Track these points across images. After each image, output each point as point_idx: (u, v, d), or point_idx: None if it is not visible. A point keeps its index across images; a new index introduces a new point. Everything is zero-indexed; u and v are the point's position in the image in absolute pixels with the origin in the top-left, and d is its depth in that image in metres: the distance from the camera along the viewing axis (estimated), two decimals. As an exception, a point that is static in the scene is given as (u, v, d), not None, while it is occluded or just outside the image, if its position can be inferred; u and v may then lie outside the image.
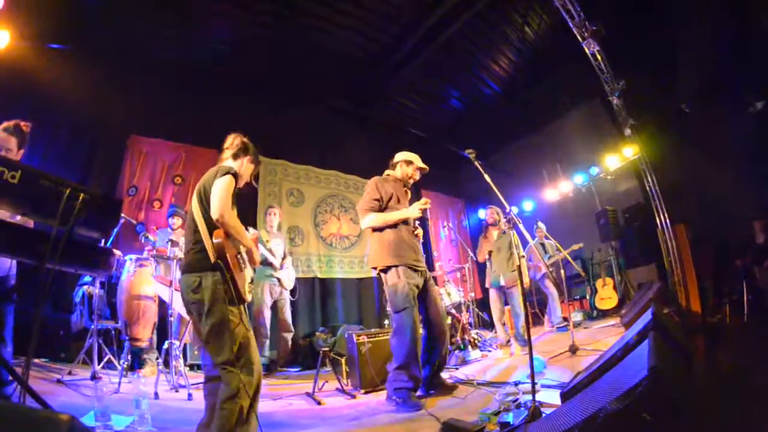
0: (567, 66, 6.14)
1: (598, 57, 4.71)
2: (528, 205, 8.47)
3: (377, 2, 5.22)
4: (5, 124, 2.28)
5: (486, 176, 2.82)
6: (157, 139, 5.40)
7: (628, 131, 5.60)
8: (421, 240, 3.35)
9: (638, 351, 1.98)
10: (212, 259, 1.88)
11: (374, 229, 3.19)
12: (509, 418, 2.40)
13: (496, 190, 2.77)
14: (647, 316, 2.58)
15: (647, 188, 5.66)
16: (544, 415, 2.23)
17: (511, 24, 5.87)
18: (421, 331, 3.11)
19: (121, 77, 4.68)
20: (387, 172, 3.45)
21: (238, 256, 2.01)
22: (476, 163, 2.90)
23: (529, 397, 2.54)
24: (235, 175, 2.04)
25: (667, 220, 5.41)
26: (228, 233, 1.93)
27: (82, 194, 2.34)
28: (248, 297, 2.00)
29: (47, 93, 3.58)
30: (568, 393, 2.36)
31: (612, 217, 6.57)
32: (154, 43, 4.97)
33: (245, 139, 2.29)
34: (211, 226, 1.93)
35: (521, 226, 2.98)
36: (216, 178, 2.00)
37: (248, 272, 2.07)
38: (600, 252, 6.78)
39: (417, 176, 3.44)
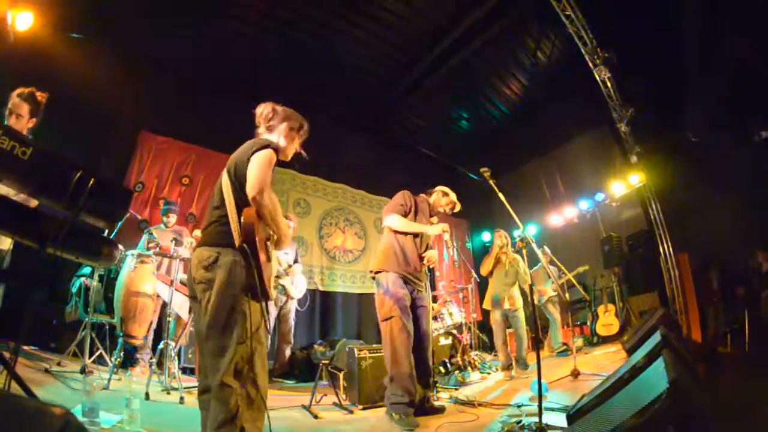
0: (576, 92, 6.24)
1: (608, 84, 4.81)
2: (532, 230, 8.44)
3: (396, 21, 5.35)
4: (20, 90, 2.29)
5: (500, 195, 2.84)
6: (168, 137, 5.43)
7: (634, 158, 5.66)
8: (432, 264, 3.35)
9: (650, 370, 1.95)
10: (237, 240, 1.58)
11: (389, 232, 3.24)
12: (515, 438, 2.33)
13: (509, 209, 2.78)
14: (656, 338, 2.55)
15: (652, 216, 5.67)
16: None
17: (524, 48, 6.01)
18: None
19: (139, 72, 4.73)
20: (422, 195, 3.57)
21: (267, 244, 1.74)
22: (491, 181, 2.92)
23: (533, 419, 2.49)
24: (276, 150, 1.77)
25: (671, 249, 5.41)
26: (261, 215, 1.64)
27: (93, 179, 2.31)
28: (273, 293, 1.73)
29: (63, 80, 3.59)
30: (574, 415, 2.30)
31: (616, 244, 6.56)
32: (174, 41, 5.04)
33: (276, 106, 2.00)
34: (241, 204, 1.66)
35: (534, 246, 2.97)
36: (252, 152, 1.70)
37: (275, 265, 1.88)
38: (602, 278, 6.73)
39: (446, 210, 3.57)
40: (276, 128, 1.96)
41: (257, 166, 1.65)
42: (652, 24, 4.91)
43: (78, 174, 2.30)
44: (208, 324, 1.56)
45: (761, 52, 3.99)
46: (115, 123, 4.96)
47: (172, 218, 4.45)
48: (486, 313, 8.03)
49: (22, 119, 2.29)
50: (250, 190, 1.61)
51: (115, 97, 4.47)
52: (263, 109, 1.99)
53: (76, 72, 4.07)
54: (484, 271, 5.06)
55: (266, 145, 1.73)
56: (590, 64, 4.64)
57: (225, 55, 5.55)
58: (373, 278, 3.23)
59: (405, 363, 2.86)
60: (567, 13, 4.13)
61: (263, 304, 1.65)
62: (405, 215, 3.25)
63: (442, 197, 3.55)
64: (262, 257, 1.62)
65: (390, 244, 3.18)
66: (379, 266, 3.15)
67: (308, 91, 6.35)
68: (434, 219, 3.54)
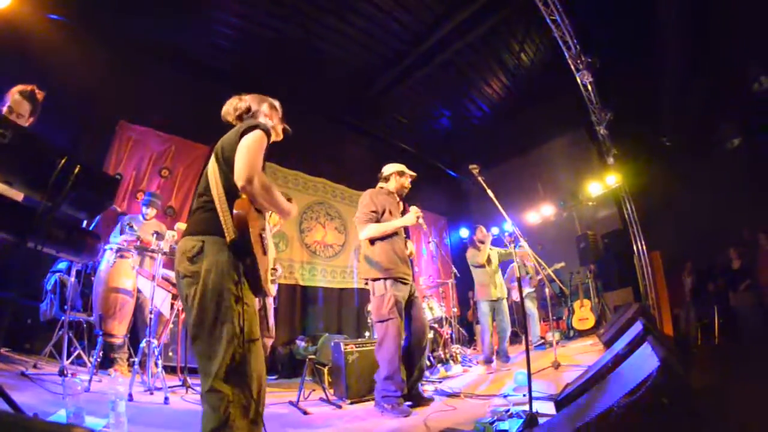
0: (557, 94, 6.44)
1: (589, 88, 4.98)
2: (508, 227, 8.63)
3: (383, 17, 5.35)
4: (21, 87, 2.21)
5: (489, 192, 2.91)
6: (147, 127, 5.21)
7: (611, 160, 5.90)
8: (413, 255, 3.40)
9: (634, 357, 2.05)
10: (229, 235, 1.42)
11: (370, 242, 3.24)
12: (505, 426, 2.39)
13: (499, 207, 2.86)
14: (637, 327, 2.69)
15: (626, 216, 5.94)
16: (541, 422, 2.23)
17: (508, 50, 6.15)
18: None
19: (119, 60, 4.53)
20: (380, 185, 3.49)
21: (263, 234, 1.56)
22: (480, 179, 2.98)
23: (520, 408, 2.57)
24: (267, 131, 1.58)
25: (644, 247, 5.68)
26: (256, 203, 1.50)
27: (78, 166, 2.18)
28: (271, 289, 1.58)
29: (40, 64, 3.39)
30: (562, 401, 2.39)
31: (592, 241, 6.83)
32: (158, 30, 4.85)
33: (242, 96, 1.84)
34: (231, 193, 1.49)
35: (523, 241, 3.07)
36: (241, 135, 1.54)
37: (271, 255, 1.68)
38: (578, 274, 7.00)
39: (409, 185, 3.51)
40: (258, 113, 1.81)
41: (246, 151, 1.49)
42: (634, 32, 5.13)
43: (63, 160, 2.17)
44: (195, 322, 1.40)
45: (735, 65, 4.26)
46: (93, 112, 4.70)
47: (152, 211, 4.27)
48: (463, 308, 8.22)
49: (22, 119, 2.21)
50: (239, 179, 1.45)
51: (93, 84, 4.26)
52: (229, 106, 1.82)
53: (53, 56, 3.87)
54: (483, 259, 5.04)
55: (255, 126, 1.57)
56: (573, 68, 4.78)
57: (208, 44, 5.39)
58: (366, 283, 3.26)
59: (398, 361, 2.98)
60: (553, 17, 4.24)
61: (257, 299, 1.55)
62: (378, 221, 3.23)
63: (400, 177, 3.44)
64: (258, 251, 1.47)
65: (383, 251, 3.17)
66: (377, 274, 3.13)
67: (291, 84, 6.25)
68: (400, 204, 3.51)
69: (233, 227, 1.42)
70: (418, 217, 3.23)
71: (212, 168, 1.57)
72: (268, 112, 1.84)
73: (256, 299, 1.55)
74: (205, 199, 1.54)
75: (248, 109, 1.80)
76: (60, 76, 3.69)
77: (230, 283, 1.41)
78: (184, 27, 5.01)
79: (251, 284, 1.47)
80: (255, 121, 1.66)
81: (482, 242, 5.14)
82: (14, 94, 2.20)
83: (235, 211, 1.42)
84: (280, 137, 1.91)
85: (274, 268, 1.72)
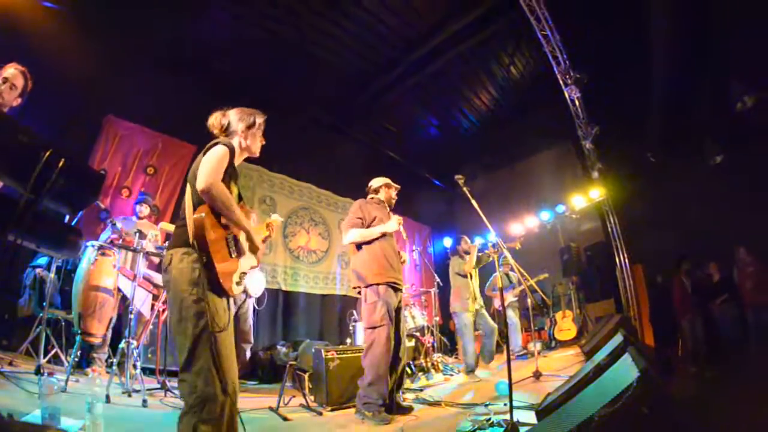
0: (544, 107, 6.60)
1: (577, 103, 5.11)
2: (492, 238, 8.71)
3: (376, 23, 5.38)
4: (17, 64, 2.21)
5: (474, 203, 2.95)
6: (134, 123, 5.14)
7: (595, 174, 6.05)
8: (405, 263, 3.44)
9: (615, 367, 2.09)
10: (190, 237, 1.61)
11: (357, 248, 3.30)
12: (487, 434, 2.41)
13: (484, 218, 2.90)
14: (618, 339, 2.75)
15: (609, 229, 6.08)
16: (521, 431, 2.25)
17: (498, 62, 6.26)
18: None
19: (110, 53, 4.46)
20: (369, 196, 3.61)
21: (229, 240, 1.72)
22: (465, 189, 3.03)
23: (501, 417, 2.59)
24: (230, 147, 1.75)
25: (626, 260, 5.81)
26: (215, 207, 1.65)
27: (62, 160, 2.14)
28: (234, 289, 1.71)
29: (30, 51, 3.27)
30: (543, 411, 2.41)
31: (575, 253, 6.95)
32: (152, 25, 4.76)
33: (226, 111, 1.94)
34: (199, 203, 1.67)
35: (506, 251, 3.11)
36: (204, 152, 1.73)
37: (247, 261, 1.80)
38: (561, 285, 7.11)
39: (395, 196, 3.67)
40: (234, 132, 1.93)
41: (205, 161, 1.67)
42: (623, 49, 5.27)
43: (47, 152, 2.12)
44: (171, 322, 1.65)
45: (720, 83, 4.41)
46: (81, 104, 4.61)
47: (146, 209, 4.23)
48: (446, 317, 8.23)
49: (15, 91, 2.19)
50: (199, 183, 1.62)
51: (82, 76, 4.17)
52: (214, 120, 1.95)
53: (44, 44, 3.77)
54: (470, 269, 5.08)
55: (218, 143, 1.74)
56: (561, 83, 4.91)
57: (201, 44, 5.34)
58: (359, 292, 3.27)
59: (384, 369, 2.97)
60: (544, 32, 4.36)
61: (227, 300, 1.70)
62: (363, 227, 3.30)
63: (388, 189, 3.62)
64: (217, 252, 1.63)
65: (372, 256, 3.21)
66: (368, 281, 3.16)
67: (282, 86, 6.24)
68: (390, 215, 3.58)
69: (192, 228, 1.62)
70: (399, 223, 3.34)
71: (188, 191, 1.75)
72: (243, 133, 1.93)
73: (226, 299, 1.70)
74: (182, 219, 1.74)
75: (227, 127, 1.93)
76: (50, 65, 3.58)
77: (189, 285, 1.59)
78: (179, 25, 4.95)
79: (209, 282, 1.61)
80: (219, 140, 1.80)
81: (467, 253, 5.17)
82: (10, 67, 2.21)
83: (194, 215, 1.62)
84: (257, 155, 2.01)
85: (243, 272, 1.81)
